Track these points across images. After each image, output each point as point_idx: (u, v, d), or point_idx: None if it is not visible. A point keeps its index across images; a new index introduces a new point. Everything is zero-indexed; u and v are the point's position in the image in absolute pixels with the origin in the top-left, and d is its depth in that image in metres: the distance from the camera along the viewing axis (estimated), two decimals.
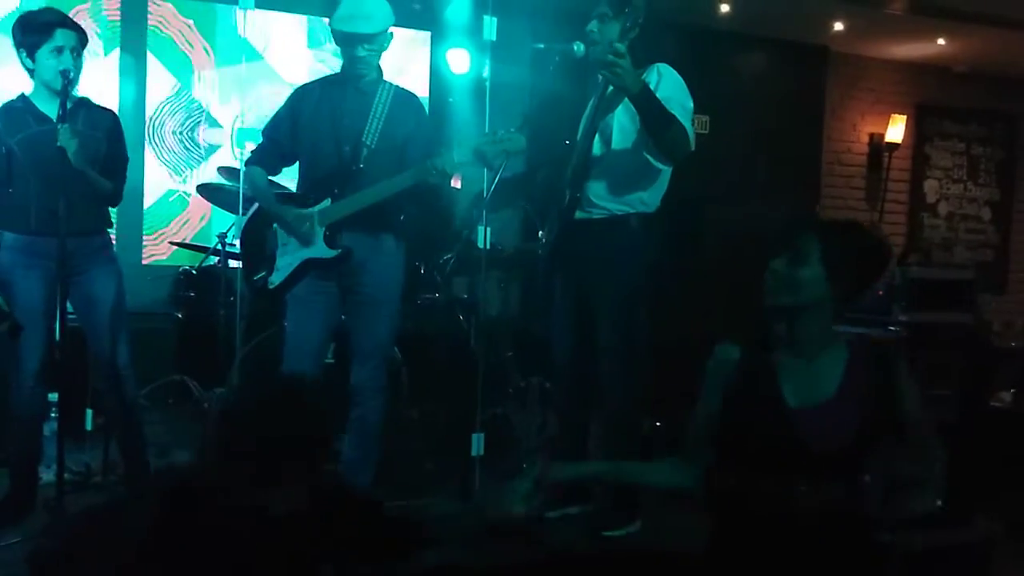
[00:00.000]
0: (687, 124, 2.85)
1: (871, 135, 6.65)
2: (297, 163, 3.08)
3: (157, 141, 4.96)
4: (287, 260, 2.94)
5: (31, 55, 2.82)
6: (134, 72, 4.85)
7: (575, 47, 2.94)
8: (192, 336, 4.25)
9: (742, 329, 1.77)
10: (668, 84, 2.88)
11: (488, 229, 3.39)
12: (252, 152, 3.10)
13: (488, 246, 3.44)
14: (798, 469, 1.59)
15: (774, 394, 1.67)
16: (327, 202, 2.89)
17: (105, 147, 2.95)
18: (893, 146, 6.62)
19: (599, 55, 2.80)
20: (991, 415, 3.78)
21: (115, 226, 3.17)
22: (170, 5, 4.95)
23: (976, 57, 6.37)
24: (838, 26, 5.80)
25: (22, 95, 2.91)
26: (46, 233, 2.78)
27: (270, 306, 3.32)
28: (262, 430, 1.37)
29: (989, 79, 6.78)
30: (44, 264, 2.82)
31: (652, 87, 2.78)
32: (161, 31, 4.94)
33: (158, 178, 4.97)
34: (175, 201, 5.01)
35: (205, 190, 4.34)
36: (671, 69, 2.94)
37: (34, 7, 2.91)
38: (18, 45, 2.85)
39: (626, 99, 2.84)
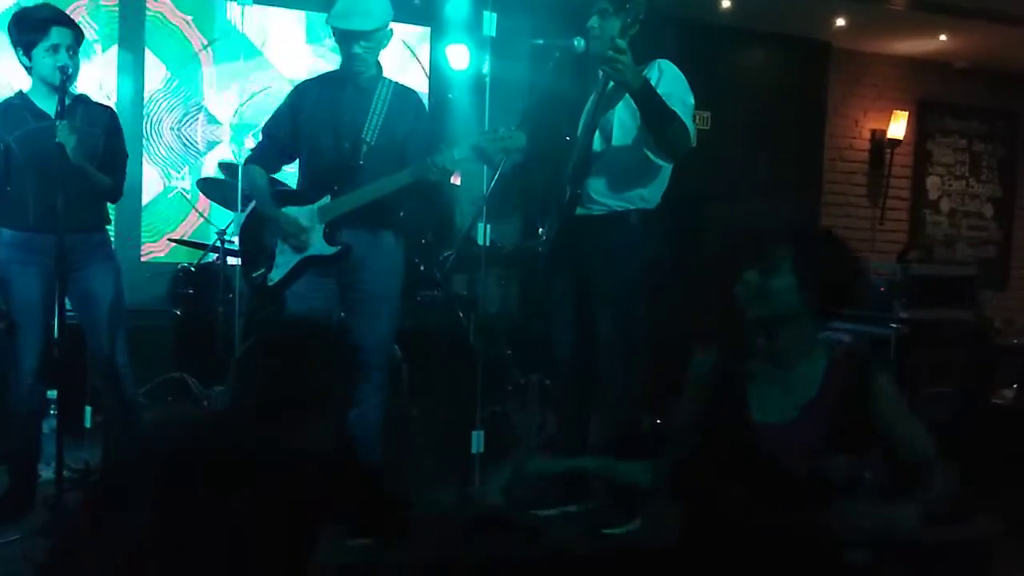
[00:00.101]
0: (688, 120, 2.83)
1: (873, 131, 6.64)
2: (297, 160, 3.07)
3: (155, 138, 4.95)
4: (287, 257, 2.93)
5: (27, 53, 2.81)
6: (132, 68, 4.84)
7: (575, 43, 2.93)
8: (191, 333, 4.25)
9: (729, 333, 1.76)
10: (669, 80, 2.87)
11: (488, 226, 3.38)
12: (252, 150, 3.09)
13: (488, 243, 3.43)
14: (762, 482, 1.58)
15: (740, 408, 1.67)
16: (327, 199, 2.88)
17: (103, 143, 2.95)
18: (895, 142, 6.60)
19: (600, 51, 2.79)
20: (992, 412, 3.77)
21: (113, 223, 3.16)
22: (168, 1, 4.93)
23: (978, 53, 6.35)
24: (840, 22, 5.78)
25: (20, 92, 2.91)
26: (44, 230, 2.78)
27: (270, 303, 3.32)
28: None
29: (991, 75, 6.76)
30: (42, 261, 2.82)
31: (653, 83, 2.77)
32: (159, 27, 4.93)
33: (155, 175, 4.96)
34: (173, 198, 5.00)
35: (204, 185, 4.33)
36: (672, 65, 2.93)
37: (30, 3, 2.88)
38: (14, 43, 2.84)
39: (627, 95, 2.83)
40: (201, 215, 4.97)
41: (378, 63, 2.97)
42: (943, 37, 6.03)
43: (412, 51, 5.36)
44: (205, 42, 4.99)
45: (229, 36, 5.00)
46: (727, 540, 1.59)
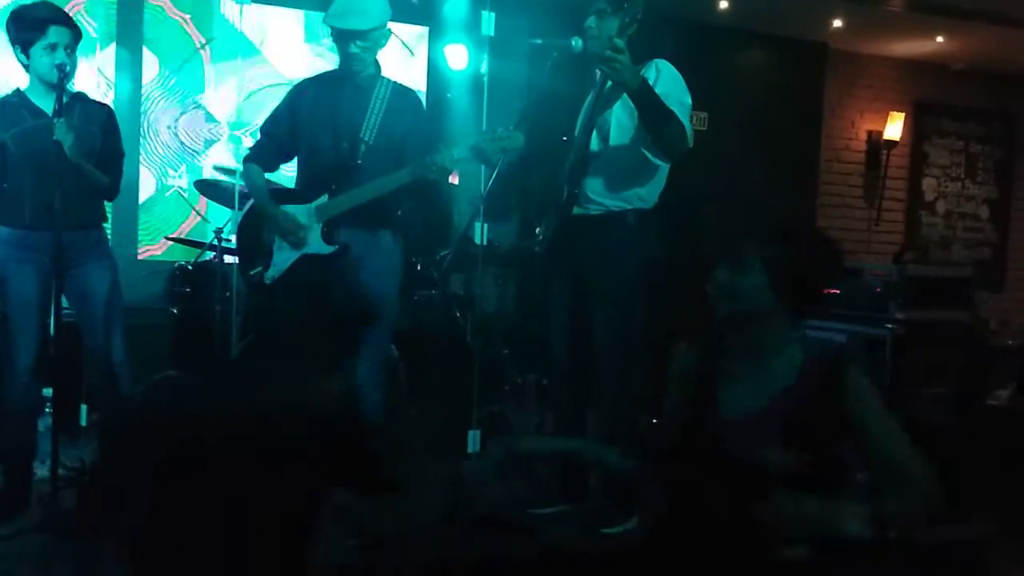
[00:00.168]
0: (685, 120, 2.84)
1: (869, 132, 6.65)
2: (296, 159, 3.07)
3: (152, 136, 4.94)
4: (284, 255, 2.93)
5: (25, 51, 2.81)
6: (130, 66, 4.83)
7: (573, 43, 2.93)
8: (187, 332, 4.24)
9: (709, 329, 1.76)
10: (666, 80, 2.87)
11: (485, 226, 3.39)
12: (250, 149, 3.09)
13: (485, 242, 3.43)
14: (731, 477, 1.58)
15: (711, 402, 1.68)
16: (324, 198, 2.88)
17: (101, 141, 2.94)
18: (891, 144, 6.61)
19: (598, 50, 2.79)
20: (988, 413, 3.78)
21: (109, 221, 3.16)
22: None
23: (975, 55, 6.36)
24: (837, 23, 5.79)
25: (17, 89, 2.90)
26: (40, 227, 2.78)
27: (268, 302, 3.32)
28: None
29: (988, 77, 6.78)
30: (38, 259, 2.81)
31: (651, 83, 2.77)
32: (157, 25, 4.92)
33: (153, 173, 4.95)
34: (170, 196, 4.99)
35: (202, 186, 4.33)
36: (669, 65, 2.93)
37: (28, 1, 2.88)
38: (12, 41, 2.84)
39: (624, 95, 2.83)
40: (198, 213, 4.97)
41: (376, 62, 2.97)
42: (940, 38, 6.04)
43: (410, 50, 5.36)
44: (203, 40, 4.99)
45: (227, 34, 4.99)
46: (705, 534, 1.59)
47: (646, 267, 3.01)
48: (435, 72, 5.32)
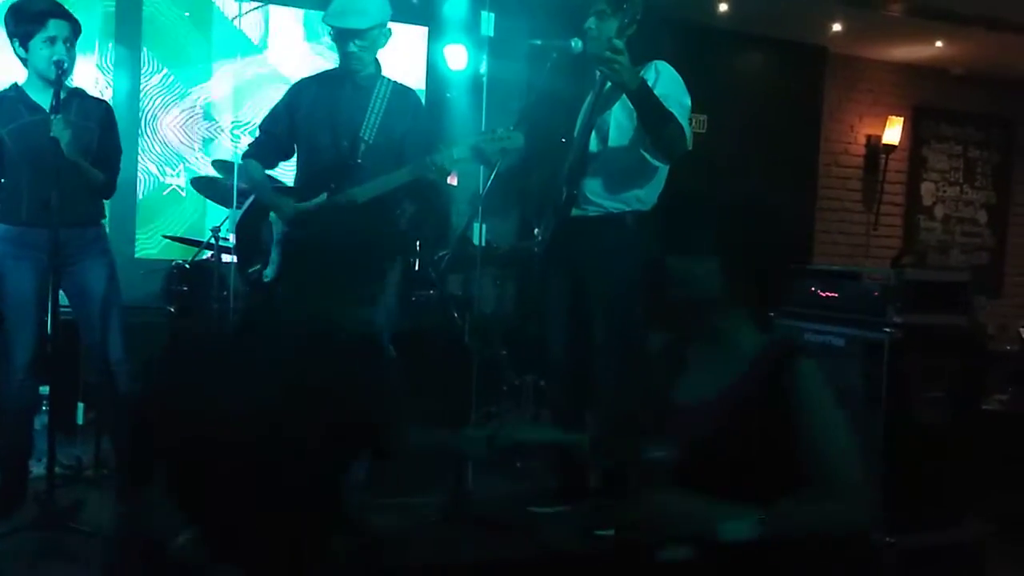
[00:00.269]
0: (684, 122, 2.84)
1: (868, 137, 6.66)
2: (295, 158, 3.06)
3: (150, 134, 4.93)
4: None
5: (24, 45, 2.80)
6: (128, 63, 4.83)
7: (573, 43, 2.93)
8: (185, 330, 4.23)
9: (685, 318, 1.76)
10: (666, 81, 2.87)
11: (484, 226, 3.39)
12: (249, 146, 3.08)
13: (484, 243, 3.43)
14: (689, 464, 1.58)
15: (670, 389, 1.70)
16: (323, 197, 2.88)
17: (98, 138, 2.93)
18: (890, 148, 6.62)
19: (597, 51, 2.79)
20: (984, 417, 3.78)
21: (107, 218, 3.15)
22: None
23: (974, 60, 6.37)
24: (837, 27, 5.80)
25: (15, 84, 2.89)
26: (37, 224, 2.76)
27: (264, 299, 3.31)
28: None
29: (986, 82, 6.79)
30: (35, 256, 2.80)
31: (650, 84, 2.77)
32: (156, 22, 4.91)
33: (151, 171, 4.95)
34: (168, 195, 4.99)
35: (199, 184, 4.32)
36: (669, 66, 2.93)
37: None
38: (11, 34, 2.83)
39: (624, 96, 2.83)
40: (196, 212, 4.96)
41: (376, 61, 2.96)
42: (939, 43, 6.05)
43: (410, 50, 5.36)
44: (202, 38, 4.98)
45: (226, 33, 4.99)
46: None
47: (644, 269, 3.01)
48: (434, 72, 5.32)
